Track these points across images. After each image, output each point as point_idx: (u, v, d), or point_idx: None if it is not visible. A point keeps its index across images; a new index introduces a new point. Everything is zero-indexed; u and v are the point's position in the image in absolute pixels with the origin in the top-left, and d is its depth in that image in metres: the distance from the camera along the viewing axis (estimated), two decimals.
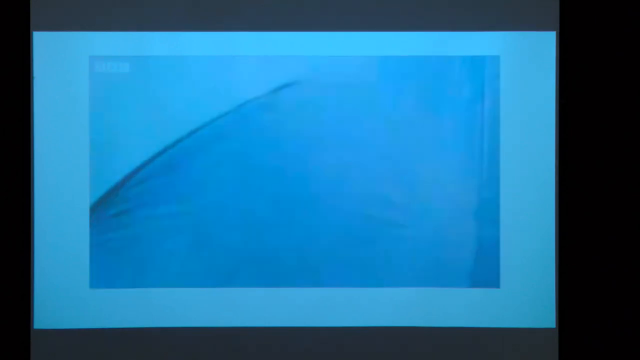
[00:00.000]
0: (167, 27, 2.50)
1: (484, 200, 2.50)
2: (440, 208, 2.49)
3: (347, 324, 2.52)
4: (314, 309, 2.52)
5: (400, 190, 2.50)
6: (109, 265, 2.50)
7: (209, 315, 2.52)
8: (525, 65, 2.51)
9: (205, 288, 2.53)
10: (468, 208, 2.50)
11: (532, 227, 2.50)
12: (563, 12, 2.51)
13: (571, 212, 2.53)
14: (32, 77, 2.49)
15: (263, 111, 2.51)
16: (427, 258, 2.50)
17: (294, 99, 2.51)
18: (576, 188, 2.53)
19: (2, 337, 2.52)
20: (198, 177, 2.52)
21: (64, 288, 2.50)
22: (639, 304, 2.54)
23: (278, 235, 2.51)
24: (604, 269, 2.54)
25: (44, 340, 2.50)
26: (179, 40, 2.51)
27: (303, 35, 2.51)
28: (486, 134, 2.51)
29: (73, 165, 2.50)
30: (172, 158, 2.51)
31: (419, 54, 2.51)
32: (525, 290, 2.51)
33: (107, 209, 2.50)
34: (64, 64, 2.50)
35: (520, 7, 2.51)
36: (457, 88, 2.51)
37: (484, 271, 2.51)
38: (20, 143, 2.50)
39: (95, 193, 2.50)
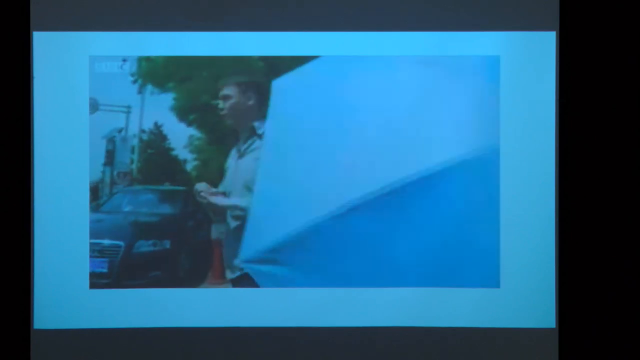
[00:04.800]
0: (167, 27, 2.50)
1: (484, 200, 2.50)
2: (440, 208, 2.49)
3: (347, 324, 2.52)
4: (314, 308, 2.52)
5: (400, 190, 2.50)
6: None
7: (209, 315, 2.53)
8: (525, 65, 2.51)
9: (206, 288, 2.53)
10: (468, 208, 2.50)
11: (532, 227, 2.50)
12: (563, 12, 2.51)
13: (571, 212, 2.53)
14: (32, 77, 2.49)
15: None
16: (427, 258, 2.50)
17: None
18: (576, 188, 2.53)
19: (2, 337, 2.52)
20: None
21: (64, 288, 2.50)
22: (639, 304, 2.54)
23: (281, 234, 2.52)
24: (604, 269, 2.54)
25: (44, 340, 2.50)
26: (179, 40, 2.51)
27: (303, 35, 2.51)
28: (486, 133, 2.50)
29: (73, 165, 2.50)
30: None
31: (419, 54, 2.51)
32: (525, 290, 2.51)
33: None
34: (64, 64, 2.50)
35: (520, 7, 2.51)
36: (457, 88, 2.51)
37: (484, 271, 2.51)
38: (20, 143, 2.50)
39: None
